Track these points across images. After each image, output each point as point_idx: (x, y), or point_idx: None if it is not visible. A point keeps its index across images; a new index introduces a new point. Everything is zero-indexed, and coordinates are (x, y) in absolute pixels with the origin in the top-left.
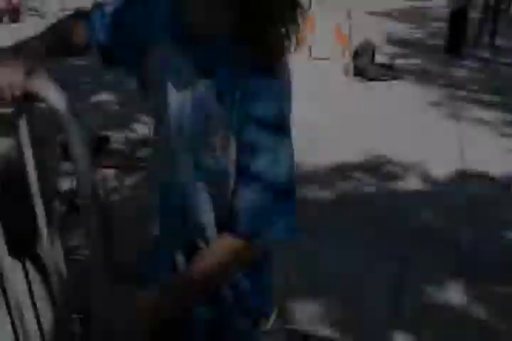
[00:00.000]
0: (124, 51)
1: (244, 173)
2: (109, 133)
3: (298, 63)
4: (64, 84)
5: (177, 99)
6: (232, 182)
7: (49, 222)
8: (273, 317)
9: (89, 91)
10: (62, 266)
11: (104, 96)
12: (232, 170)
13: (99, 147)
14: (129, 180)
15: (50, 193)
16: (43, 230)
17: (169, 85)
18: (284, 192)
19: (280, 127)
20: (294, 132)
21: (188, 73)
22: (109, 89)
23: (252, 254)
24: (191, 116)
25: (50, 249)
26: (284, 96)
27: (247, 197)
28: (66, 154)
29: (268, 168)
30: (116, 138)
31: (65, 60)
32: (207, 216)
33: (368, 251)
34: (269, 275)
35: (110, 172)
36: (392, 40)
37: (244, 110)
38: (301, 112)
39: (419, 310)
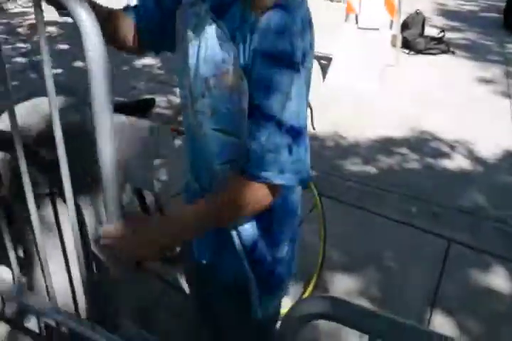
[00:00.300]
0: (167, 24)
1: (254, 112)
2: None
3: (345, 32)
4: (110, 49)
5: (194, 45)
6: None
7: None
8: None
9: (134, 55)
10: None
11: (148, 61)
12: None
13: (145, 109)
14: (171, 143)
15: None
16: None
17: (189, 32)
18: (293, 131)
19: (291, 63)
20: (340, 101)
21: (204, 17)
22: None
23: (261, 196)
24: (206, 59)
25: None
26: (295, 31)
27: (257, 137)
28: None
29: (278, 106)
30: (160, 101)
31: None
32: (226, 166)
33: (410, 228)
34: (287, 240)
35: None
36: (443, 12)
37: (254, 46)
38: (347, 82)
39: (462, 292)
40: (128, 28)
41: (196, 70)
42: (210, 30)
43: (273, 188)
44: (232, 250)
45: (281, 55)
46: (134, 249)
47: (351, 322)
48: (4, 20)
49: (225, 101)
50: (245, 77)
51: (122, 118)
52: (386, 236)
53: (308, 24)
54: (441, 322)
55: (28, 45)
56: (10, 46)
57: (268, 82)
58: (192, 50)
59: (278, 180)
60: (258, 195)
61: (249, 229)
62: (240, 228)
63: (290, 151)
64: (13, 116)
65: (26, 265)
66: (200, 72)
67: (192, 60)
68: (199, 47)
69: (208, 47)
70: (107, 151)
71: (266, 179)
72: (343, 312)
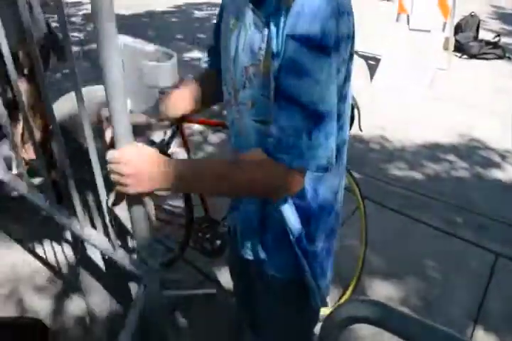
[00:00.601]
0: None
1: (279, 95)
2: None
3: (395, 33)
4: (161, 39)
5: (234, 35)
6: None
7: None
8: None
9: (182, 47)
10: None
11: (196, 54)
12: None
13: None
14: (215, 137)
15: None
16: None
17: (230, 26)
18: (316, 115)
19: (323, 47)
20: (388, 103)
21: (243, 8)
22: (202, 46)
23: (281, 179)
24: (244, 48)
25: None
26: (329, 15)
27: (279, 119)
28: None
29: (303, 89)
30: None
31: (161, 18)
32: None
33: (455, 239)
34: (322, 236)
35: (197, 127)
36: (499, 15)
37: (287, 30)
38: (395, 84)
39: (507, 309)
40: (212, 78)
41: (236, 61)
42: (249, 20)
43: (293, 172)
44: (285, 242)
45: (311, 38)
46: (133, 176)
47: (397, 329)
48: None
49: (262, 89)
50: (277, 63)
51: (128, 39)
52: (429, 245)
53: (346, 12)
54: (483, 339)
55: (82, 34)
56: None
57: (295, 65)
58: (232, 41)
59: (296, 164)
60: (277, 176)
61: (296, 221)
62: (288, 220)
63: (310, 136)
64: (49, 106)
65: None
66: (239, 62)
67: (232, 52)
68: (238, 37)
69: (246, 36)
70: (113, 71)
71: (284, 161)
72: (388, 318)
